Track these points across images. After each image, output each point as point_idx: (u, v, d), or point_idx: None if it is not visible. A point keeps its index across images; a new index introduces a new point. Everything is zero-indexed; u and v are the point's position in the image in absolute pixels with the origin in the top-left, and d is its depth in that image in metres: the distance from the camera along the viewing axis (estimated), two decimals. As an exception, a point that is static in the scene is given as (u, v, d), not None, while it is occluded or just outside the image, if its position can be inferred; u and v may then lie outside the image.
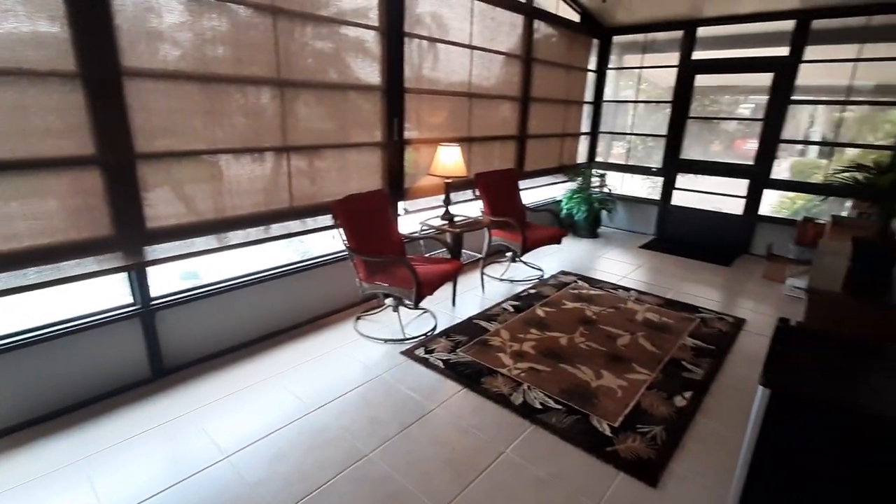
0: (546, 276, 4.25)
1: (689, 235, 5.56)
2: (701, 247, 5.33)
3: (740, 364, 2.88)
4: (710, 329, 3.31)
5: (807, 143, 5.23)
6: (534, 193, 5.46)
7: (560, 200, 5.69)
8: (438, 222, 3.71)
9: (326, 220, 3.06)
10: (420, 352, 2.86)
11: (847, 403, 1.21)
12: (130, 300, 2.44)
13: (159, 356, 2.52)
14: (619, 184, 6.17)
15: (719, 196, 5.38)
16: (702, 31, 5.15)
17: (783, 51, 4.68)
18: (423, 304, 3.11)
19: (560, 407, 2.36)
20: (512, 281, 4.14)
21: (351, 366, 2.71)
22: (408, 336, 3.04)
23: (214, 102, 2.46)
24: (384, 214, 3.21)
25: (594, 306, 3.60)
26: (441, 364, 2.72)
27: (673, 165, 5.57)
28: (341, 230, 2.91)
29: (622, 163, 6.12)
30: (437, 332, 3.13)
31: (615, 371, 2.71)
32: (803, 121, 5.60)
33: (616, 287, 4.05)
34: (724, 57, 5.16)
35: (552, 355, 2.86)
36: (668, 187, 5.65)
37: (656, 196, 5.77)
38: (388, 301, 3.11)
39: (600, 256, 4.96)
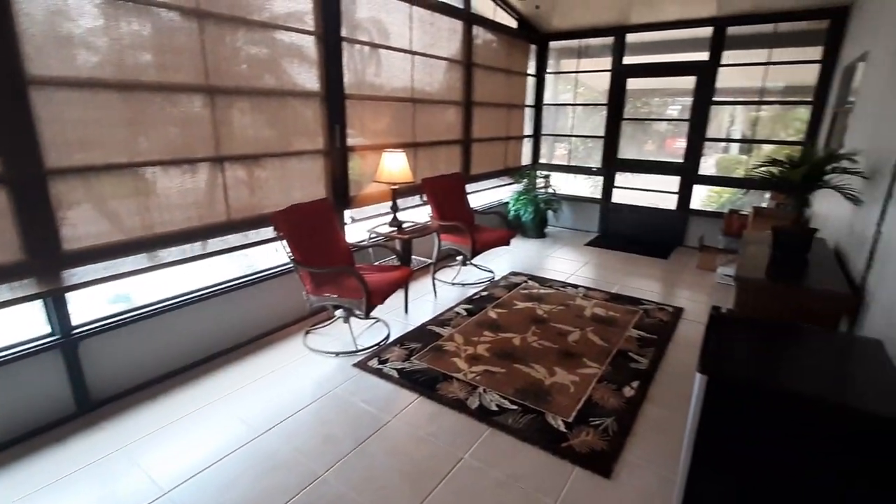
0: (497, 278, 4.30)
1: (630, 231, 5.83)
2: (641, 241, 5.60)
3: (681, 351, 3.03)
4: (653, 319, 3.48)
5: (728, 140, 5.63)
6: (482, 196, 5.53)
7: (507, 202, 5.80)
8: (387, 229, 3.66)
9: (269, 232, 2.93)
10: (373, 363, 2.79)
11: (774, 384, 1.29)
12: (48, 330, 2.22)
13: (85, 388, 2.31)
14: (564, 184, 6.37)
15: (655, 193, 5.69)
16: (631, 38, 5.43)
17: (704, 56, 5.02)
18: (374, 313, 3.05)
19: (516, 407, 2.38)
20: (464, 284, 4.15)
21: (301, 383, 2.61)
22: (360, 347, 2.97)
23: (138, 112, 2.30)
24: (329, 224, 3.12)
25: (545, 305, 3.68)
26: (395, 374, 2.68)
27: (611, 165, 5.82)
28: (284, 242, 2.80)
29: (565, 164, 6.33)
30: (390, 341, 3.08)
31: (567, 367, 2.78)
32: (725, 120, 6.04)
33: (565, 285, 4.16)
34: (651, 62, 5.46)
35: (506, 356, 2.89)
36: (608, 186, 5.90)
37: (598, 195, 6.01)
38: (338, 313, 3.03)
39: (548, 255, 5.09)
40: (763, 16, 4.60)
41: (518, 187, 5.82)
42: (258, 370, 2.72)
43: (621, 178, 5.90)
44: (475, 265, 4.50)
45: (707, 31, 4.94)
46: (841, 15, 4.27)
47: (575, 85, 6.15)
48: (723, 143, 5.58)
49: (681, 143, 5.46)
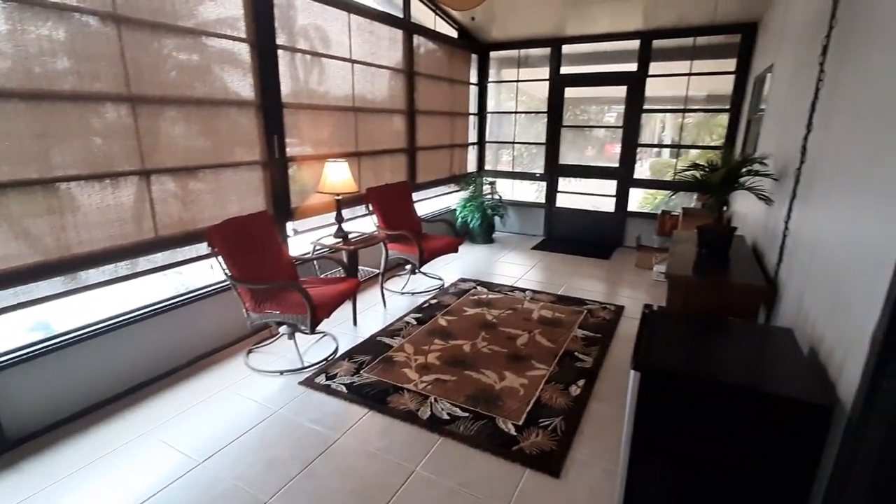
0: (446, 285, 4.31)
1: (574, 234, 6.05)
2: (584, 243, 5.82)
3: (622, 348, 3.17)
4: (596, 319, 3.61)
5: (658, 145, 6.01)
6: (429, 204, 5.55)
7: (455, 209, 5.85)
8: (332, 241, 3.58)
9: (204, 248, 2.79)
10: (321, 379, 2.71)
11: (699, 376, 1.37)
12: (-55, 367, 1.99)
13: (-4, 429, 2.08)
14: (511, 190, 6.52)
15: (596, 196, 5.94)
16: (567, 49, 5.66)
17: (633, 67, 5.32)
18: (321, 327, 2.97)
19: (467, 414, 2.39)
20: (413, 293, 4.14)
21: (243, 406, 2.48)
22: (306, 364, 2.87)
23: (50, 123, 2.12)
24: (270, 237, 3.01)
25: (494, 310, 3.73)
26: (344, 389, 2.61)
27: (553, 171, 6.03)
28: (220, 258, 2.67)
29: (510, 170, 6.48)
30: (338, 355, 3.00)
31: (517, 370, 2.82)
32: (657, 126, 6.44)
33: (513, 289, 4.24)
34: (587, 72, 5.72)
35: (457, 363, 2.90)
36: (552, 191, 6.10)
37: (543, 200, 6.19)
38: (282, 329, 2.92)
39: (497, 261, 5.18)
40: (683, 30, 4.95)
41: (465, 194, 5.89)
42: (196, 395, 2.56)
43: (564, 183, 6.11)
44: (424, 273, 4.49)
45: (635, 44, 5.24)
46: (750, 30, 4.67)
47: (517, 93, 6.33)
48: (656, 148, 5.93)
49: (618, 149, 5.74)
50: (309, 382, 2.68)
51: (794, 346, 1.52)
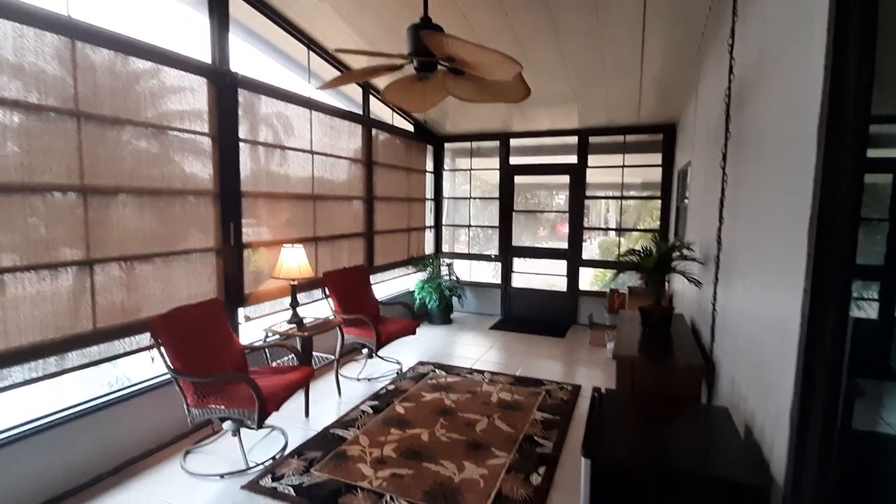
0: (404, 370, 4.23)
1: (530, 313, 6.18)
2: (540, 322, 5.94)
3: (581, 430, 3.14)
4: (555, 400, 3.61)
5: (602, 228, 6.46)
6: (387, 286, 5.58)
7: (413, 291, 5.90)
8: (286, 326, 3.50)
9: (146, 339, 2.65)
10: (266, 481, 2.51)
11: (646, 463, 1.40)
12: None
13: None
14: (469, 271, 6.68)
15: (549, 276, 6.18)
16: (514, 142, 6.19)
17: (574, 159, 5.86)
18: (270, 421, 2.80)
19: (424, 512, 2.26)
20: (370, 379, 4.02)
21: (176, 517, 2.24)
22: (251, 464, 2.66)
23: (-12, 215, 2.06)
24: (219, 326, 2.91)
25: (452, 394, 3.67)
26: (291, 491, 2.42)
27: (507, 252, 6.29)
28: (162, 350, 2.53)
29: (466, 251, 6.71)
30: (287, 452, 2.81)
31: (476, 460, 2.73)
32: (602, 209, 6.96)
33: (471, 371, 4.21)
34: (533, 163, 6.24)
35: (414, 455, 2.77)
36: (507, 271, 6.31)
37: (499, 280, 6.38)
38: (226, 425, 2.72)
39: (455, 342, 5.16)
40: (614, 129, 5.58)
41: (423, 275, 5.98)
42: (121, 508, 2.29)
43: (519, 264, 6.36)
44: (382, 357, 4.40)
45: (574, 139, 5.83)
46: (671, 131, 5.33)
47: (470, 180, 6.75)
48: (602, 230, 6.37)
49: (567, 230, 6.11)
50: (253, 486, 2.47)
51: (731, 425, 1.60)
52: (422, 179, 6.21)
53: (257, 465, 2.66)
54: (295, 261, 3.46)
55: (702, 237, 2.97)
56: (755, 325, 1.61)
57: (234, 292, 3.30)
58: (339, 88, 4.80)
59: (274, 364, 3.38)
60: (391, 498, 2.36)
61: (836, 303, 1.12)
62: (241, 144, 3.34)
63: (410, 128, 5.95)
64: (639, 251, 2.85)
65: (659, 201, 5.56)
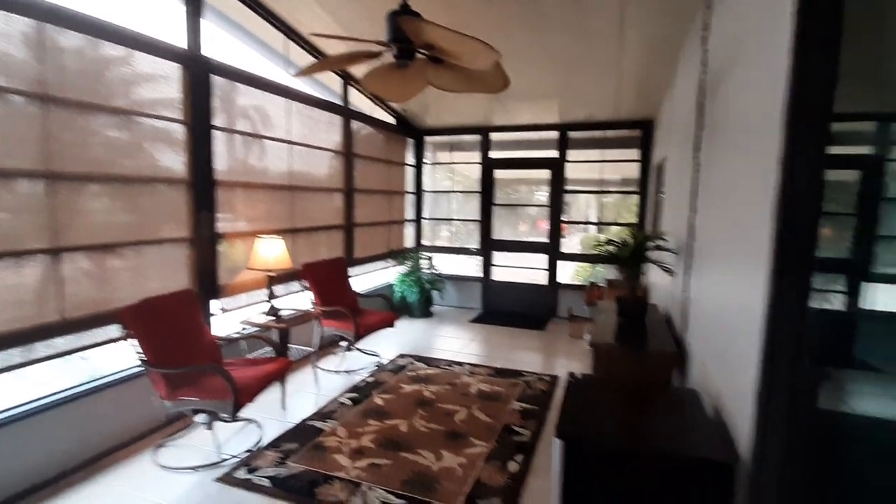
0: (384, 362, 4.21)
1: (510, 306, 6.22)
2: (520, 315, 5.99)
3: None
4: (533, 390, 3.65)
5: (583, 222, 6.54)
6: (367, 279, 5.54)
7: (393, 284, 5.87)
8: (263, 318, 3.45)
9: (116, 330, 2.58)
10: (241, 473, 2.47)
11: (618, 442, 1.43)
12: None
13: None
14: (450, 264, 6.68)
15: (530, 269, 6.23)
16: (495, 136, 6.21)
17: (554, 153, 5.91)
18: (245, 413, 2.76)
19: (403, 502, 2.26)
20: (349, 371, 3.99)
21: (147, 511, 2.19)
22: (225, 457, 2.62)
23: (-56, 200, 1.97)
24: (191, 317, 2.85)
25: (432, 385, 3.67)
26: (268, 482, 2.39)
27: (488, 246, 6.31)
28: (135, 341, 2.47)
29: (448, 245, 6.70)
30: (263, 444, 2.77)
31: (454, 449, 2.74)
32: (583, 204, 7.05)
33: (451, 363, 4.22)
34: (514, 157, 6.27)
35: (392, 445, 2.77)
36: (487, 265, 6.34)
37: (480, 274, 6.40)
38: (200, 418, 2.67)
39: (435, 335, 5.17)
40: (594, 124, 5.64)
41: (403, 269, 5.96)
42: None
43: (500, 257, 6.38)
44: (361, 350, 4.38)
45: (555, 134, 5.87)
46: (648, 126, 5.41)
47: (452, 174, 6.75)
48: (583, 224, 6.45)
49: (548, 225, 6.16)
50: (227, 478, 2.43)
51: (700, 406, 1.64)
52: (402, 172, 6.18)
53: (232, 457, 2.62)
54: (271, 251, 3.41)
55: (675, 228, 3.03)
56: (724, 312, 1.65)
57: (207, 283, 3.23)
58: (318, 79, 4.73)
59: (250, 356, 3.33)
60: (369, 487, 2.36)
61: (796, 291, 1.16)
62: (216, 132, 3.27)
63: (391, 120, 5.90)
64: (616, 242, 2.89)
65: (637, 196, 5.65)
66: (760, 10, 1.47)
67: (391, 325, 4.14)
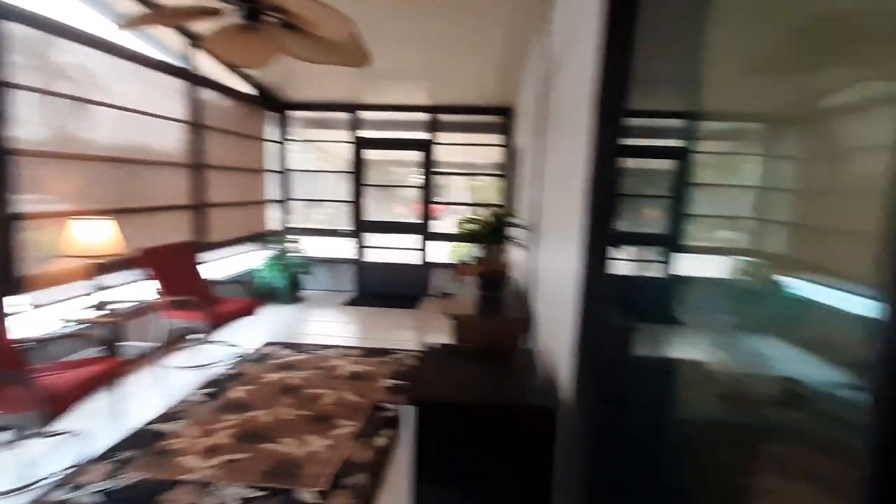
0: (248, 352, 3.92)
1: (383, 287, 6.23)
2: (393, 295, 6.03)
3: (427, 391, 3.32)
4: (404, 367, 3.73)
5: (450, 203, 6.76)
6: (227, 265, 5.08)
7: (257, 269, 5.47)
8: (91, 313, 2.94)
9: None
10: (61, 493, 2.11)
11: (453, 399, 1.53)
12: None
13: None
14: (323, 247, 6.42)
15: (403, 250, 6.29)
16: (365, 115, 6.07)
17: (425, 135, 6.00)
18: (67, 424, 2.35)
19: (264, 493, 2.15)
20: (204, 366, 3.63)
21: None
22: (41, 477, 2.20)
23: None
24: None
25: (299, 372, 3.53)
26: (97, 499, 2.08)
27: (360, 227, 6.21)
28: None
29: (319, 227, 6.44)
30: (92, 456, 2.39)
31: (320, 432, 2.68)
32: (458, 187, 7.28)
33: (322, 347, 4.10)
34: (384, 137, 6.21)
35: (252, 437, 2.61)
36: (361, 246, 6.25)
37: (354, 256, 6.28)
38: (2, 436, 2.20)
39: (305, 320, 4.97)
40: (462, 108, 5.84)
41: (269, 253, 5.58)
42: None
43: (375, 238, 6.33)
44: (219, 342, 4.01)
45: (425, 116, 5.95)
46: (510, 113, 5.78)
47: (322, 153, 6.46)
48: (456, 206, 6.64)
49: (421, 207, 6.25)
50: (43, 502, 2.06)
51: (535, 363, 1.83)
52: (263, 149, 5.73)
53: (50, 476, 2.21)
54: (97, 235, 2.91)
55: (529, 208, 3.31)
56: (557, 279, 1.86)
57: (3, 276, 2.64)
58: (160, 40, 4.10)
59: (69, 359, 2.83)
60: (225, 484, 2.19)
61: (601, 259, 1.34)
62: (17, 93, 2.65)
63: (250, 91, 5.40)
64: (477, 221, 3.06)
65: (503, 179, 6.02)
66: (582, 10, 1.64)
67: (250, 313, 3.86)
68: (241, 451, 2.48)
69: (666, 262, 1.41)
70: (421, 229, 6.14)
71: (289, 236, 5.94)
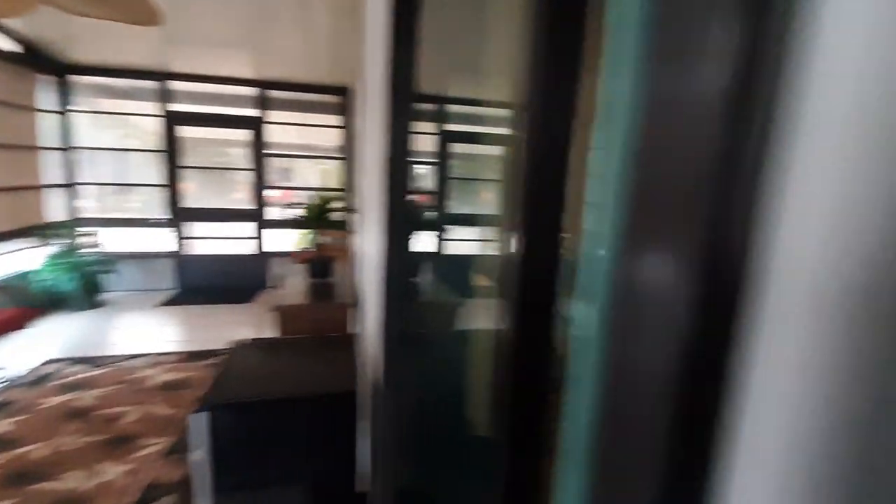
0: (19, 374, 3.14)
1: (211, 281, 5.56)
2: (223, 290, 5.42)
3: (258, 390, 3.07)
4: (233, 367, 3.39)
5: (283, 187, 6.30)
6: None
7: (36, 271, 4.39)
8: None
9: None
10: None
11: (264, 396, 1.43)
12: None
13: None
14: (132, 239, 5.44)
15: (237, 240, 5.69)
16: (178, 85, 5.26)
17: (255, 112, 5.46)
18: None
19: (29, 545, 1.73)
20: (-53, 400, 2.80)
21: None
22: None
23: None
24: None
25: (91, 391, 2.95)
26: None
27: (179, 215, 5.43)
28: None
29: (129, 216, 5.44)
30: None
31: (118, 457, 2.28)
32: (305, 171, 6.78)
33: (127, 357, 3.49)
34: (203, 112, 5.47)
35: (21, 479, 2.10)
36: (181, 237, 5.47)
37: (174, 248, 5.46)
38: None
39: (107, 328, 4.18)
40: (294, 85, 5.45)
41: (52, 250, 4.52)
42: None
43: (201, 228, 5.58)
44: (-26, 366, 3.13)
45: (253, 91, 5.40)
46: (348, 93, 5.59)
47: (131, 129, 5.42)
48: (306, 190, 6.16)
49: (270, 192, 5.66)
50: None
51: (351, 348, 1.81)
52: (35, 120, 4.59)
53: None
54: None
55: (360, 193, 3.25)
56: (371, 260, 1.84)
57: None
58: None
59: None
60: (-34, 548, 1.72)
61: (400, 239, 1.36)
62: None
63: (13, 48, 4.23)
64: (303, 205, 2.89)
65: (343, 162, 5.81)
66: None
67: (20, 327, 3.12)
68: (3, 498, 1.97)
69: (448, 241, 1.49)
70: (255, 216, 5.63)
71: (80, 229, 4.91)
